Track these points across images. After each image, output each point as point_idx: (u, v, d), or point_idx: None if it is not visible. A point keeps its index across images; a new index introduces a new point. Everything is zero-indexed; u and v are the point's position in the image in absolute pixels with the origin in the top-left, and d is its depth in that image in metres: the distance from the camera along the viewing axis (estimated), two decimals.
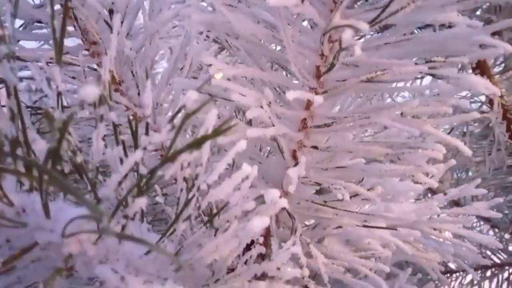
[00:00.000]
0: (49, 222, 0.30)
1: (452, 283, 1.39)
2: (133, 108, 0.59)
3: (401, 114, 0.47)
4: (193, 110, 0.26)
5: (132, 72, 0.59)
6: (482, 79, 0.40)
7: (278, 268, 0.37)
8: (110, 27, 0.58)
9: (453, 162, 0.72)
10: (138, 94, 0.62)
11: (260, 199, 0.36)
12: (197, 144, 0.26)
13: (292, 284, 0.56)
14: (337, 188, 0.45)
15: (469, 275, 1.44)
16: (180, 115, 0.27)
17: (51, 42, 0.72)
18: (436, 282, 1.07)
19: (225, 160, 0.31)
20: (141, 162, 0.28)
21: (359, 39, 0.52)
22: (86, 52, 0.65)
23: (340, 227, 0.62)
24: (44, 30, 0.66)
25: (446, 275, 1.41)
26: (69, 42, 0.66)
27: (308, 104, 0.52)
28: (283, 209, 0.59)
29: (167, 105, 0.65)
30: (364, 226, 0.55)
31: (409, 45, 0.47)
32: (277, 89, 0.53)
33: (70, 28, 0.64)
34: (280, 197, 0.35)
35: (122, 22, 0.62)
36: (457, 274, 1.40)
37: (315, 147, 0.54)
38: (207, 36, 0.76)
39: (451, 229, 0.68)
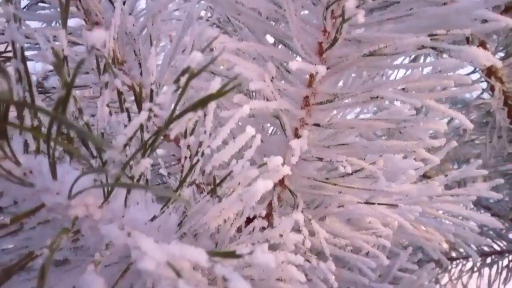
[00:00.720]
0: (56, 184, 0.30)
1: (453, 270, 1.40)
2: (136, 88, 0.59)
3: (403, 89, 0.47)
4: (197, 70, 0.27)
5: (134, 51, 0.59)
6: (483, 51, 0.40)
7: (281, 235, 0.37)
8: (113, 6, 0.58)
9: (454, 143, 0.72)
10: (141, 74, 0.63)
11: (263, 168, 0.36)
12: (201, 103, 0.26)
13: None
14: (339, 161, 0.45)
15: (469, 262, 1.45)
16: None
17: (53, 24, 0.72)
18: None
19: (229, 124, 0.32)
20: (146, 124, 0.28)
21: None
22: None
23: (341, 206, 0.63)
24: (47, 11, 0.66)
25: None
26: (71, 23, 0.66)
27: (311, 82, 0.52)
28: (285, 187, 0.60)
29: None
30: (366, 203, 0.55)
31: (412, 20, 0.47)
32: (280, 67, 0.53)
33: (73, 9, 0.64)
34: (283, 165, 0.35)
35: (124, 3, 0.63)
36: (457, 261, 1.41)
37: (317, 125, 0.54)
38: (208, 20, 0.76)
39: (452, 209, 0.69)
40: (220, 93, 0.26)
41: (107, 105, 0.33)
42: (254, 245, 0.32)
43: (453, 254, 1.42)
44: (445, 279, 1.41)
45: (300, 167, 0.58)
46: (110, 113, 0.34)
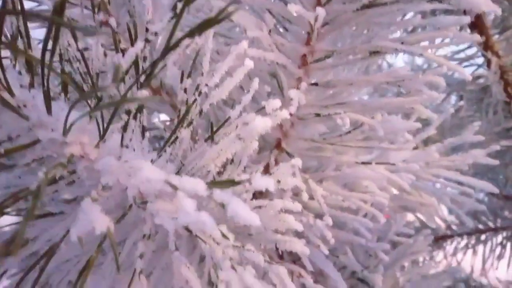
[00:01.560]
0: (51, 120, 0.30)
1: (447, 247, 1.41)
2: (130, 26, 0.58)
3: (402, 43, 0.47)
4: None
5: (129, 12, 0.58)
6: None
7: (279, 181, 0.37)
8: None
9: (451, 110, 0.72)
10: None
11: (261, 112, 0.36)
12: (200, 29, 0.25)
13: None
14: (337, 113, 0.45)
15: (464, 240, 1.47)
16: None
17: None
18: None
19: (227, 62, 0.31)
20: (142, 53, 0.28)
21: None
22: None
23: (338, 170, 0.63)
24: None
25: (441, 240, 1.43)
26: None
27: (308, 39, 0.52)
28: (283, 150, 0.60)
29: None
30: (363, 163, 0.55)
31: None
32: (277, 24, 0.52)
33: None
34: (282, 108, 0.35)
35: None
36: (452, 239, 1.42)
37: (315, 84, 0.54)
38: None
39: (449, 175, 0.69)
40: (219, 18, 0.25)
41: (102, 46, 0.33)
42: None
43: (448, 232, 1.44)
44: (440, 256, 1.43)
45: (297, 128, 0.58)
46: (105, 54, 0.33)
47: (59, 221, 0.37)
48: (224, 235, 0.26)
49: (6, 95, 0.27)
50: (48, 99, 0.28)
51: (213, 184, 0.26)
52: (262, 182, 0.25)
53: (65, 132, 0.30)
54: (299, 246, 0.42)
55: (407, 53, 0.42)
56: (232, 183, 0.26)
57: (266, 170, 0.59)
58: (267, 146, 0.61)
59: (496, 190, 0.68)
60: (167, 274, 0.47)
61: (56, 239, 0.33)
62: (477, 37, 0.41)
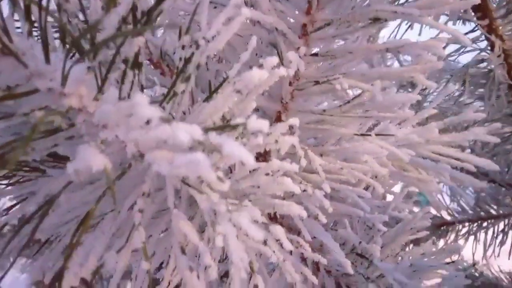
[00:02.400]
0: (49, 69, 0.30)
1: (449, 234, 1.42)
2: None
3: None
4: None
5: None
6: None
7: (276, 141, 0.37)
8: None
9: (453, 87, 0.72)
10: None
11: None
12: None
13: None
14: (336, 78, 0.45)
15: (466, 227, 1.47)
16: None
17: None
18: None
19: (224, 13, 0.31)
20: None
21: None
22: None
23: (338, 144, 0.63)
24: None
25: (442, 227, 1.43)
26: None
27: (309, 8, 0.52)
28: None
29: None
30: (362, 135, 0.56)
31: None
32: None
33: None
34: (282, 66, 0.35)
35: None
36: (453, 225, 1.42)
37: (315, 55, 0.54)
38: None
39: (449, 152, 0.69)
40: None
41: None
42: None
43: (449, 218, 1.44)
44: (441, 243, 1.43)
45: (298, 101, 0.58)
46: (103, 8, 0.33)
47: (58, 175, 0.37)
48: (220, 179, 0.26)
49: (5, 40, 0.27)
50: (46, 48, 0.29)
51: (209, 128, 0.27)
52: (257, 124, 0.25)
53: (64, 82, 0.30)
54: (296, 209, 0.42)
55: (405, 18, 0.42)
56: (228, 127, 0.26)
57: (266, 152, 0.59)
58: (267, 119, 0.61)
59: (496, 167, 0.68)
60: (166, 238, 0.48)
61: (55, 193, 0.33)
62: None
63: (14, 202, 0.43)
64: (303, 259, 0.67)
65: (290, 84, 0.54)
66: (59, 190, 0.33)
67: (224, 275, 0.81)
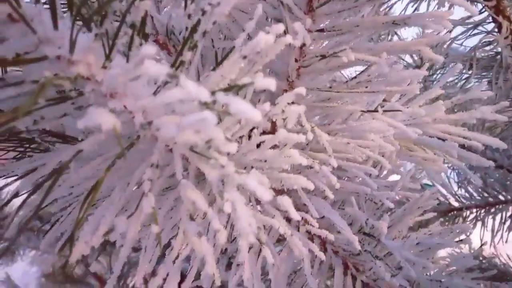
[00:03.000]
0: (57, 36, 0.30)
1: (456, 220, 1.41)
2: None
3: None
4: None
5: None
6: None
7: (283, 111, 0.37)
8: None
9: (459, 66, 0.71)
10: None
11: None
12: None
13: (296, 169, 0.57)
14: (342, 49, 0.45)
15: (473, 213, 1.46)
16: None
17: None
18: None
19: None
20: None
21: None
22: None
23: (344, 123, 0.63)
24: None
25: (450, 213, 1.43)
26: None
27: None
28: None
29: None
30: (369, 111, 0.55)
31: None
32: None
33: None
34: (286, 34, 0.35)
35: None
36: (461, 212, 1.42)
37: (321, 30, 0.54)
38: None
39: (456, 130, 0.68)
40: None
41: None
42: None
43: (456, 205, 1.43)
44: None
45: (304, 80, 0.58)
46: None
47: (67, 148, 0.38)
48: (227, 139, 0.26)
49: (14, 4, 0.27)
50: (54, 14, 0.29)
51: (216, 91, 0.27)
52: (265, 82, 0.25)
53: (72, 49, 0.31)
54: (304, 181, 0.42)
55: None
56: (235, 86, 0.26)
57: (273, 124, 0.59)
58: (273, 98, 0.61)
59: (504, 145, 0.67)
60: (175, 214, 0.48)
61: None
62: None
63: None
64: (311, 239, 0.68)
65: (296, 61, 0.54)
66: (68, 159, 0.33)
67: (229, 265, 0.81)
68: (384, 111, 0.55)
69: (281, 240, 0.70)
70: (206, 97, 0.27)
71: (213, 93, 0.27)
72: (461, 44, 1.25)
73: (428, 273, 0.69)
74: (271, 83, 0.25)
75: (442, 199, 1.42)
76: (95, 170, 0.38)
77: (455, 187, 1.47)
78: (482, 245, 1.03)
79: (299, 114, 0.50)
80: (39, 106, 0.30)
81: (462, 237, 0.75)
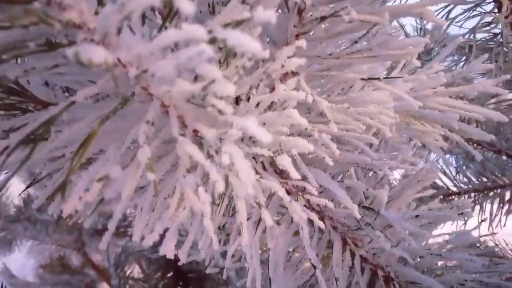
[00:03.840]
0: None
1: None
2: None
3: None
4: None
5: None
6: None
7: (282, 66, 0.36)
8: None
9: (460, 39, 0.71)
10: None
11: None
12: None
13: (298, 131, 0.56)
14: (344, 8, 0.44)
15: (471, 198, 1.46)
16: None
17: None
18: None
19: None
20: None
21: None
22: None
23: (344, 95, 0.62)
24: None
25: (448, 198, 1.43)
26: None
27: None
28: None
29: None
30: (369, 79, 0.54)
31: None
32: None
33: None
34: None
35: None
36: (459, 196, 1.41)
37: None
38: None
39: (457, 103, 0.68)
40: None
41: None
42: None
43: (454, 189, 1.43)
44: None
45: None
46: None
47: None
48: (226, 77, 0.25)
49: None
50: None
51: (212, 29, 0.26)
52: (264, 14, 0.24)
53: None
54: (303, 144, 0.41)
55: None
56: (233, 22, 0.25)
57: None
58: None
59: (505, 119, 0.66)
60: (171, 178, 0.47)
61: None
62: None
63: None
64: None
65: (295, 26, 0.53)
66: (60, 110, 0.32)
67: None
68: (385, 78, 0.54)
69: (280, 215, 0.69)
70: (202, 34, 0.25)
71: (210, 31, 0.26)
72: (460, 26, 1.24)
73: (428, 248, 0.69)
74: (271, 15, 0.24)
75: (440, 183, 1.42)
76: (89, 128, 0.36)
77: (454, 172, 1.46)
78: (482, 221, 1.03)
79: (298, 79, 0.49)
80: (29, 50, 0.29)
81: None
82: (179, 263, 0.41)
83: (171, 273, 1.93)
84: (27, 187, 0.63)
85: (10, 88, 0.54)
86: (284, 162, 0.39)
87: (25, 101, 0.39)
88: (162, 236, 0.46)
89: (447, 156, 1.54)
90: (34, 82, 0.57)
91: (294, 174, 0.38)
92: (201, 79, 0.29)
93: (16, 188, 2.49)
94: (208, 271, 0.70)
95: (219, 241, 0.73)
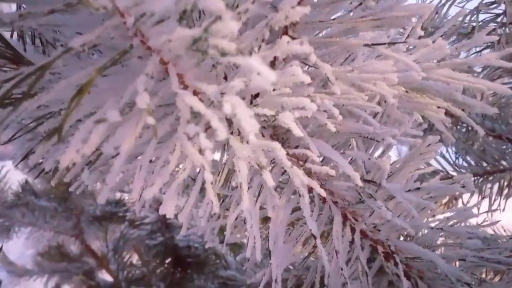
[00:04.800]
0: None
1: None
2: None
3: None
4: None
5: None
6: None
7: (286, 16, 0.35)
8: None
9: (463, 11, 0.69)
10: None
11: None
12: None
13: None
14: None
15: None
16: None
17: None
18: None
19: None
20: None
21: None
22: None
23: (347, 64, 0.61)
24: None
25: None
26: None
27: None
28: (290, 37, 0.58)
29: None
30: (373, 44, 0.53)
31: None
32: None
33: None
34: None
35: None
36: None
37: None
38: None
39: (460, 76, 0.67)
40: None
41: None
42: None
43: (454, 174, 1.43)
44: (446, 198, 1.42)
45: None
46: None
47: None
48: (227, 7, 0.24)
49: None
50: None
51: None
52: None
53: None
54: (307, 101, 0.40)
55: None
56: None
57: (273, 63, 0.57)
58: (274, 35, 0.59)
59: (509, 91, 0.66)
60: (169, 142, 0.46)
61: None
62: None
63: None
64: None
65: None
66: (57, 55, 0.31)
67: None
68: (389, 43, 0.53)
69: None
70: None
71: None
72: (462, 7, 1.22)
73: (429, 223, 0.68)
74: None
75: (440, 167, 1.41)
76: (86, 70, 0.35)
77: (453, 157, 1.46)
78: (483, 198, 1.02)
79: (301, 40, 0.48)
80: None
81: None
82: (179, 218, 0.40)
83: (170, 259, 1.93)
84: (23, 158, 0.63)
85: (6, 56, 0.53)
86: (287, 119, 0.38)
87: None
88: (160, 222, 0.45)
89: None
90: (30, 49, 0.55)
91: (297, 131, 0.38)
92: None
93: (14, 174, 2.48)
94: (207, 245, 0.69)
95: (218, 216, 0.72)
